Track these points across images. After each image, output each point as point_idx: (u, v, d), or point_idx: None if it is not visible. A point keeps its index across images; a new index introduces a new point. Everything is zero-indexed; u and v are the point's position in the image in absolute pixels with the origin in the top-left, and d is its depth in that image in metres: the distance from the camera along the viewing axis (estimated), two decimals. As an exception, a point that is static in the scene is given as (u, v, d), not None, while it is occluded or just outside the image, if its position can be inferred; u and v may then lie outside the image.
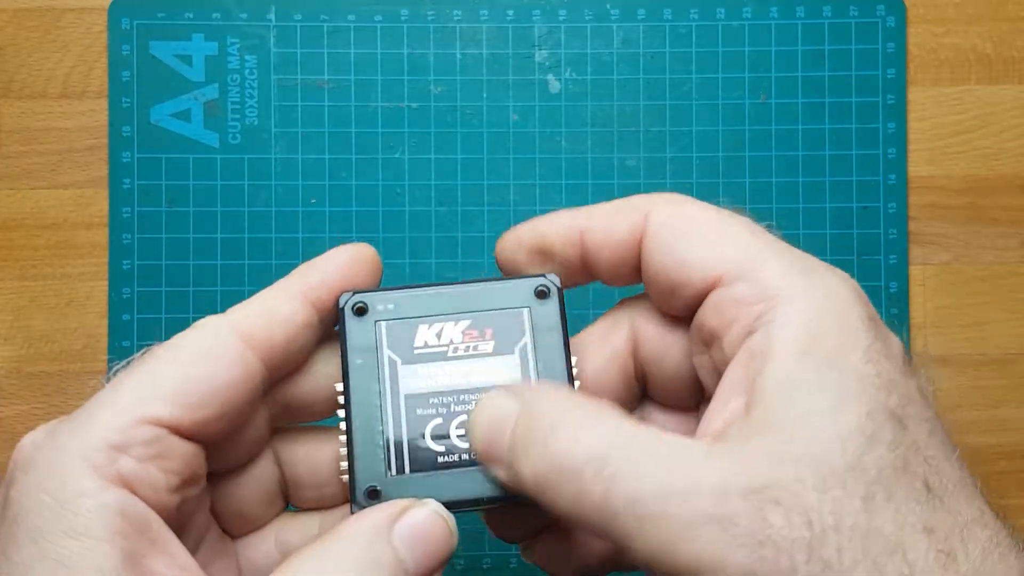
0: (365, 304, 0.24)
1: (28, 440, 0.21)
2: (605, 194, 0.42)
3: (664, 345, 0.25)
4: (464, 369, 0.24)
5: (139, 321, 0.42)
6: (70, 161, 0.42)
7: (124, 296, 0.42)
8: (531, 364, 0.24)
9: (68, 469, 0.20)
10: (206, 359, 0.22)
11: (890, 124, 0.42)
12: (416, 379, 0.24)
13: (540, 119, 0.42)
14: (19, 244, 0.42)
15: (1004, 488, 0.42)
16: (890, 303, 0.42)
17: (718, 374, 0.22)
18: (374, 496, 0.23)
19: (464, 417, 0.24)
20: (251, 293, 0.24)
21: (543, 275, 0.25)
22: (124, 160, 0.42)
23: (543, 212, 0.42)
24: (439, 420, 0.24)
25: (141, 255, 0.42)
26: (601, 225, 0.24)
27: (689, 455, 0.20)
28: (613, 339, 0.26)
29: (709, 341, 0.23)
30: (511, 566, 0.41)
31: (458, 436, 0.24)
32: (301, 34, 0.42)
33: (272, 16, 0.42)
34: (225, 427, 0.23)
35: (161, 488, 0.21)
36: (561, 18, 0.43)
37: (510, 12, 0.43)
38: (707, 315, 0.22)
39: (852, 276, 0.22)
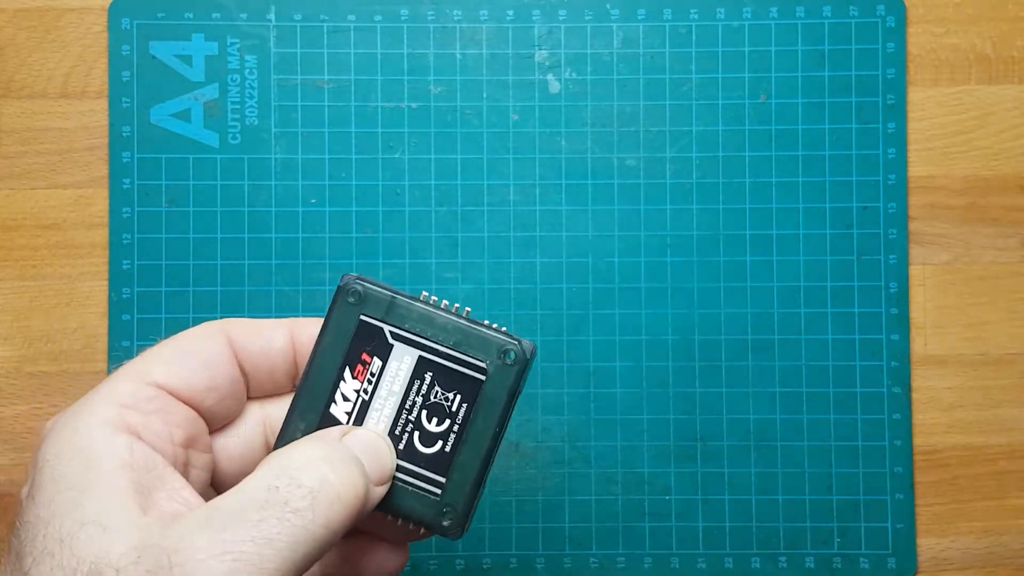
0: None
1: (51, 418, 0.25)
2: (605, 194, 0.42)
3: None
4: (384, 392, 0.27)
5: (139, 321, 0.42)
6: (70, 161, 0.42)
7: (124, 296, 0.42)
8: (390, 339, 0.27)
9: (85, 425, 0.24)
10: (195, 340, 0.27)
11: (890, 124, 0.42)
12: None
13: (540, 119, 0.42)
14: (19, 244, 0.42)
15: (1004, 488, 0.42)
16: (890, 303, 0.42)
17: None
18: (452, 515, 0.26)
19: (425, 412, 0.27)
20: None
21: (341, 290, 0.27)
22: (124, 160, 0.42)
23: (543, 212, 0.42)
24: (417, 432, 0.27)
25: (141, 255, 0.42)
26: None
27: None
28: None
29: None
30: (511, 566, 0.41)
31: (435, 424, 0.27)
32: (301, 34, 0.42)
33: (272, 16, 0.42)
34: (215, 401, 0.26)
35: (165, 439, 0.25)
36: (561, 18, 0.42)
37: (510, 12, 0.42)
38: None
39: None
